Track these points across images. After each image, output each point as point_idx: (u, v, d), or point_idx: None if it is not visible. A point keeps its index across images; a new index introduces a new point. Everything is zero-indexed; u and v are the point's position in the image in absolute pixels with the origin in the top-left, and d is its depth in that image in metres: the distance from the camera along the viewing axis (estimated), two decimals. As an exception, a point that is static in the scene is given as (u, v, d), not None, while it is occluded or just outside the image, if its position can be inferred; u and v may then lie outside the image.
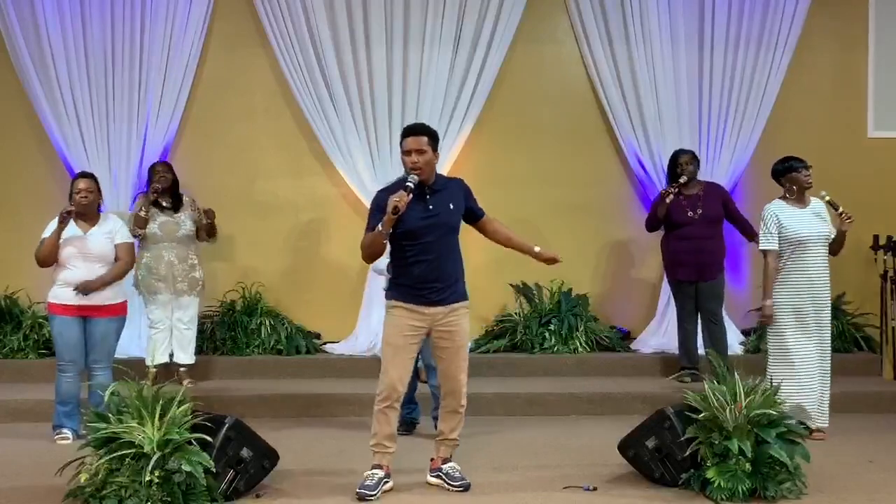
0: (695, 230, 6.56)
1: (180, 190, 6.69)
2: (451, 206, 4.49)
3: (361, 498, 4.35)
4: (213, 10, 7.40)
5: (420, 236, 4.40)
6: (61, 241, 5.43)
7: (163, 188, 6.53)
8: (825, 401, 5.56)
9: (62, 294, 5.46)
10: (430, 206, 4.43)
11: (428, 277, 4.42)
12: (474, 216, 4.68)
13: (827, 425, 5.56)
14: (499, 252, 7.37)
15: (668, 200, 6.59)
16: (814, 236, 5.46)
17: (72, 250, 5.44)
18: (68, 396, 5.52)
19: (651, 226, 6.90)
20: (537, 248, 4.74)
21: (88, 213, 5.52)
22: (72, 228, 5.46)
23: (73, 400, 5.53)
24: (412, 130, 4.50)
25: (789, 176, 5.57)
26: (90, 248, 5.46)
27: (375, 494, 4.38)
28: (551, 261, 4.75)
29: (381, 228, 4.31)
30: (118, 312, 5.60)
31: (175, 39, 7.29)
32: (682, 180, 6.60)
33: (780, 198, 5.62)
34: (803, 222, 5.49)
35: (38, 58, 7.24)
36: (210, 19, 7.41)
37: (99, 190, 5.63)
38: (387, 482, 4.49)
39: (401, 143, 4.47)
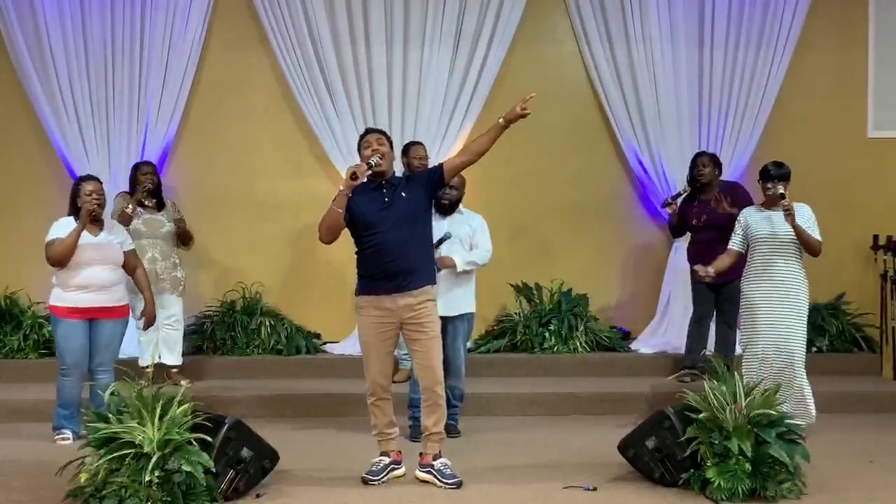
0: (704, 235, 6.53)
1: (162, 192, 6.70)
2: (404, 195, 4.62)
3: (365, 482, 4.57)
4: (213, 10, 7.40)
5: (376, 226, 4.58)
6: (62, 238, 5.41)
7: (148, 189, 6.50)
8: (799, 400, 5.50)
9: (68, 297, 5.41)
10: (386, 199, 4.61)
11: (387, 267, 4.56)
12: (438, 174, 4.66)
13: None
14: (499, 252, 7.41)
15: (669, 210, 6.75)
16: (767, 235, 5.54)
17: (83, 254, 5.40)
18: (70, 400, 5.50)
19: (673, 232, 7.02)
20: (501, 120, 4.51)
21: (100, 216, 5.51)
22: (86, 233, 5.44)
23: (75, 403, 5.51)
24: (371, 129, 4.84)
25: (760, 184, 5.70)
26: (103, 253, 5.44)
27: (379, 479, 4.60)
28: (522, 114, 4.45)
29: (334, 201, 4.55)
30: (124, 314, 5.61)
31: (175, 39, 7.29)
32: (681, 191, 6.70)
33: (758, 203, 5.78)
34: (764, 222, 5.60)
35: (38, 58, 7.24)
36: (210, 19, 7.40)
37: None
38: (396, 469, 4.69)
39: (361, 143, 4.74)
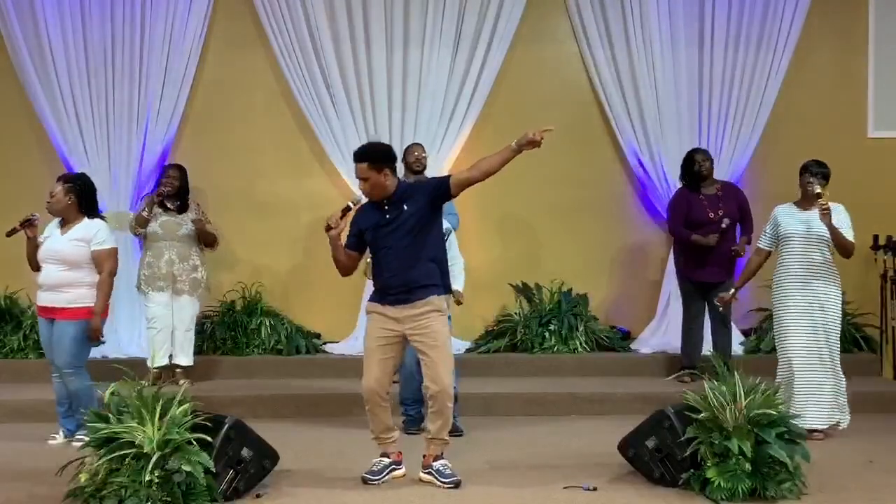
0: (711, 231, 6.53)
1: (189, 196, 6.72)
2: (406, 208, 4.58)
3: (364, 482, 4.59)
4: (213, 10, 7.40)
5: (378, 244, 4.65)
6: (41, 240, 5.48)
7: (169, 192, 6.57)
8: (832, 399, 5.52)
9: (38, 294, 5.50)
10: (388, 216, 4.61)
11: (391, 282, 4.61)
12: (445, 187, 4.59)
13: (837, 424, 5.55)
14: (499, 252, 7.47)
15: (712, 244, 6.52)
16: (801, 234, 5.52)
17: (43, 251, 5.43)
18: (60, 396, 5.53)
19: (675, 235, 6.91)
20: (514, 144, 4.46)
21: (66, 216, 5.43)
22: (52, 230, 5.48)
23: (66, 400, 5.50)
24: (354, 157, 4.67)
25: (799, 180, 5.66)
26: (54, 251, 5.38)
27: (379, 479, 4.62)
28: (535, 143, 4.39)
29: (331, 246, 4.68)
30: (74, 316, 5.33)
31: (175, 39, 7.29)
32: (723, 225, 6.53)
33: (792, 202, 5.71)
34: (797, 221, 5.57)
35: (38, 58, 7.24)
36: (210, 19, 7.41)
37: (73, 192, 5.40)
38: (396, 469, 4.71)
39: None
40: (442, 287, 4.67)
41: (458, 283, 5.60)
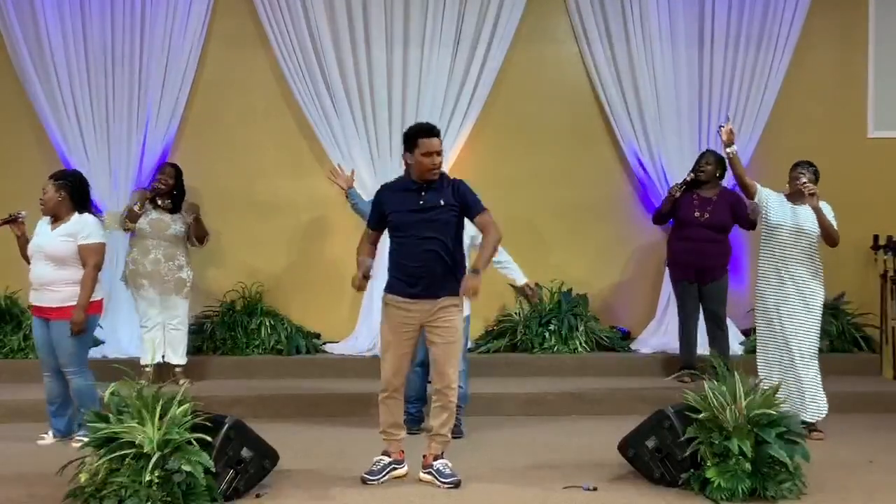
0: (699, 232, 6.53)
1: (185, 198, 6.70)
2: (442, 202, 4.55)
3: (363, 482, 4.59)
4: (213, 10, 7.40)
5: (407, 229, 4.55)
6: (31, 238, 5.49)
7: (163, 190, 6.56)
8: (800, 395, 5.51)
9: (30, 293, 5.47)
10: (421, 202, 4.54)
11: (416, 272, 4.55)
12: (472, 213, 4.61)
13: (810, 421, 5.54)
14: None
15: (676, 195, 6.59)
16: (789, 226, 5.53)
17: (30, 247, 5.43)
18: (49, 396, 5.51)
19: (656, 219, 6.99)
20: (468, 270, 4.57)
21: (58, 213, 5.41)
22: (42, 227, 5.47)
23: (57, 400, 5.50)
24: (433, 132, 4.57)
25: (790, 175, 5.68)
26: (42, 247, 5.35)
27: (378, 479, 4.62)
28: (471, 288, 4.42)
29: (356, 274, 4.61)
30: (70, 315, 5.28)
31: (175, 39, 7.29)
32: (687, 178, 6.60)
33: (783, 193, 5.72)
34: (788, 211, 5.58)
35: (38, 58, 7.24)
36: (210, 19, 7.40)
37: (64, 189, 5.37)
38: (397, 468, 4.70)
39: (417, 142, 4.52)
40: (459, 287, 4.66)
41: (520, 277, 5.87)
